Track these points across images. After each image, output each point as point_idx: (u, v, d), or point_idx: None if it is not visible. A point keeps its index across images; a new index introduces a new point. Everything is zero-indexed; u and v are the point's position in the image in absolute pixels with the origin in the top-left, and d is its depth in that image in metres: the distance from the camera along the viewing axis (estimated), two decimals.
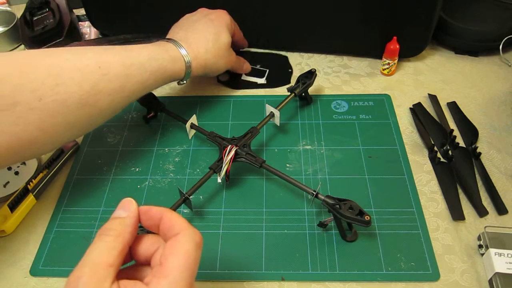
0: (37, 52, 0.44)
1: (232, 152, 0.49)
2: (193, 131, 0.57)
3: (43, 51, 0.44)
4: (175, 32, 0.56)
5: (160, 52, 0.50)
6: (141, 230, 0.33)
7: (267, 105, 0.55)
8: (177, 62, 0.52)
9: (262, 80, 0.67)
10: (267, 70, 0.68)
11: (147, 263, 0.32)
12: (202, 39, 0.55)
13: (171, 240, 0.30)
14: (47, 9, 0.73)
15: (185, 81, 0.55)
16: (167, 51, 0.51)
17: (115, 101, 0.46)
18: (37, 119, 0.40)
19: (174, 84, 0.67)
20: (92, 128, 0.48)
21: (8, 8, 0.81)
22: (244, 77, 0.68)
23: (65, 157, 0.56)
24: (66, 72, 0.42)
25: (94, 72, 0.43)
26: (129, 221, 0.31)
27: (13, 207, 0.50)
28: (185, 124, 0.55)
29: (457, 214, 0.49)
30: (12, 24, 0.74)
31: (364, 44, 0.68)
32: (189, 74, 0.54)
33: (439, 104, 0.61)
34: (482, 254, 0.45)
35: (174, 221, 0.31)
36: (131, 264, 0.33)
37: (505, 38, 0.66)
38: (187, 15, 0.59)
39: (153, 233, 0.33)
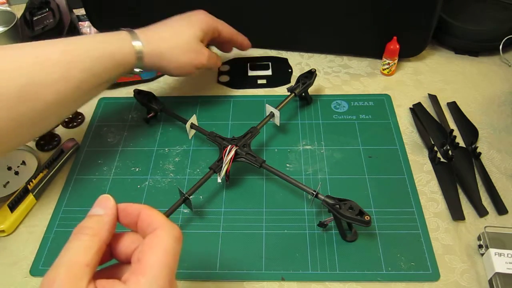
0: None
1: (232, 152, 0.49)
2: (193, 131, 0.57)
3: None
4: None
5: (107, 37, 0.48)
6: None
7: (267, 105, 0.55)
8: (126, 47, 0.48)
9: (268, 72, 0.68)
10: (270, 63, 0.69)
11: (127, 261, 0.30)
12: (162, 30, 0.53)
13: (149, 236, 0.29)
14: (47, 9, 0.72)
15: (139, 70, 0.51)
16: (115, 35, 0.49)
17: (61, 92, 0.43)
18: None
19: (174, 84, 0.67)
20: (47, 126, 0.46)
21: (8, 8, 0.81)
22: (250, 73, 0.68)
23: (65, 157, 0.56)
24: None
25: (31, 64, 0.42)
26: (107, 219, 0.30)
27: (13, 207, 0.50)
28: (185, 124, 0.55)
29: (457, 214, 0.49)
30: (12, 24, 0.74)
31: (364, 44, 0.68)
32: (141, 62, 0.50)
33: (439, 104, 0.61)
34: (482, 254, 0.45)
35: (153, 217, 0.30)
36: (113, 263, 0.32)
37: (505, 38, 0.66)
38: None
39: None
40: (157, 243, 0.28)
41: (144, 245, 0.28)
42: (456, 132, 0.57)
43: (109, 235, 0.30)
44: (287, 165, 0.55)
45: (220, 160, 0.49)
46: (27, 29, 0.71)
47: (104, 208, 0.31)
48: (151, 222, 0.29)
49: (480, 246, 0.45)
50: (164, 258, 0.28)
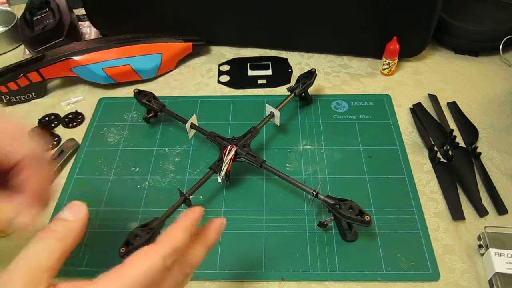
0: None
1: (232, 152, 0.49)
2: (193, 131, 0.57)
3: None
4: None
5: None
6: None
7: (267, 105, 0.55)
8: None
9: (268, 72, 0.68)
10: (270, 63, 0.69)
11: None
12: None
13: (149, 245, 0.27)
14: (47, 9, 0.73)
15: None
16: None
17: None
18: None
19: (174, 84, 0.67)
20: None
21: (8, 8, 0.81)
22: (250, 73, 0.68)
23: (65, 157, 0.56)
24: None
25: None
26: (75, 226, 0.28)
27: None
28: (185, 124, 0.55)
29: (457, 214, 0.49)
30: (12, 24, 0.74)
31: (364, 44, 0.68)
32: None
33: (439, 104, 0.61)
34: (482, 254, 0.45)
35: (177, 229, 0.28)
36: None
37: (505, 38, 0.66)
38: None
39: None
40: (147, 256, 0.27)
41: (138, 251, 0.27)
42: (456, 132, 0.57)
43: (75, 243, 0.28)
44: (287, 165, 0.55)
45: (220, 160, 0.49)
46: (27, 29, 0.71)
47: (74, 214, 0.29)
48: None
49: (480, 246, 0.45)
50: (145, 273, 0.26)
